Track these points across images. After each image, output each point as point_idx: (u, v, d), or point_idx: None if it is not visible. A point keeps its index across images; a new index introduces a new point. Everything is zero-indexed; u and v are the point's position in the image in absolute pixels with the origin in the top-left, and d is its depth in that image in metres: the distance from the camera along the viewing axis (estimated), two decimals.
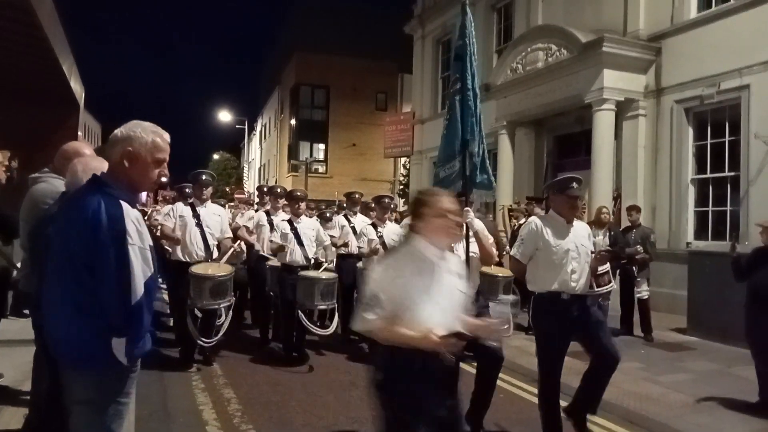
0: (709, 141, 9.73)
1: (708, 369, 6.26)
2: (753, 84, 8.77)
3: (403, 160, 24.09)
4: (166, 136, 2.37)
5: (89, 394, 2.24)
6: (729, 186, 9.40)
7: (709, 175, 9.73)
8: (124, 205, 2.21)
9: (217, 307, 5.81)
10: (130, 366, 2.27)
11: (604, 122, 10.33)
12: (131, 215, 2.20)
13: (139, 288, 2.17)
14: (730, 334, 6.95)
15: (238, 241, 7.14)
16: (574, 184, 3.95)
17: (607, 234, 7.43)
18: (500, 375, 5.77)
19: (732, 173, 9.29)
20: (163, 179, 2.50)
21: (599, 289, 6.30)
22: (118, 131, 2.31)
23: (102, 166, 2.98)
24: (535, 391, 5.26)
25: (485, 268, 4.67)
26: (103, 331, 2.17)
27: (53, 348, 2.29)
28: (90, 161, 3.05)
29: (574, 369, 4.26)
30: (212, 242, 6.10)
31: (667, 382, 5.70)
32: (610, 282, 6.42)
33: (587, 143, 10.93)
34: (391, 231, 6.83)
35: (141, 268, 2.19)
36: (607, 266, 6.39)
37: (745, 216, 8.81)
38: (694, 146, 9.95)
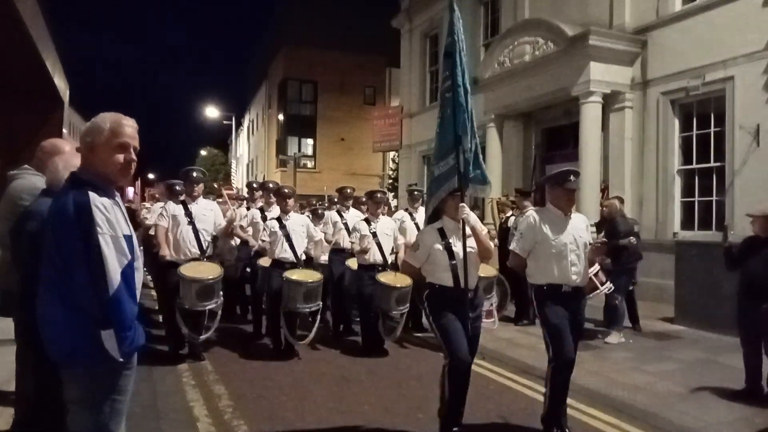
0: (694, 132, 9.83)
1: (695, 358, 6.34)
2: (737, 76, 8.86)
3: (391, 154, 24.05)
4: (128, 122, 2.34)
5: (82, 393, 2.22)
6: (715, 176, 9.49)
7: (695, 165, 9.83)
8: (91, 193, 2.17)
9: (203, 309, 5.79)
10: (124, 362, 2.23)
11: (591, 115, 10.40)
12: (98, 203, 2.16)
13: (114, 278, 2.13)
14: (717, 323, 7.04)
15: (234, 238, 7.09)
16: (572, 177, 3.98)
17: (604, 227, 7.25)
18: (490, 366, 5.89)
19: (717, 164, 9.38)
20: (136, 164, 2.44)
21: (592, 293, 5.70)
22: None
23: None
24: (525, 382, 5.38)
25: None
26: (88, 327, 2.14)
27: (46, 347, 2.25)
28: (70, 158, 3.02)
29: None
30: (204, 239, 6.07)
31: (655, 371, 5.76)
32: (601, 285, 5.88)
33: (575, 136, 10.99)
34: (385, 226, 6.82)
35: (115, 257, 2.14)
36: (596, 267, 5.79)
37: (730, 206, 8.91)
38: (680, 137, 10.03)
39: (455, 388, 3.86)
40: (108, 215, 2.17)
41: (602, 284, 5.81)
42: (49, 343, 2.23)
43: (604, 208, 7.31)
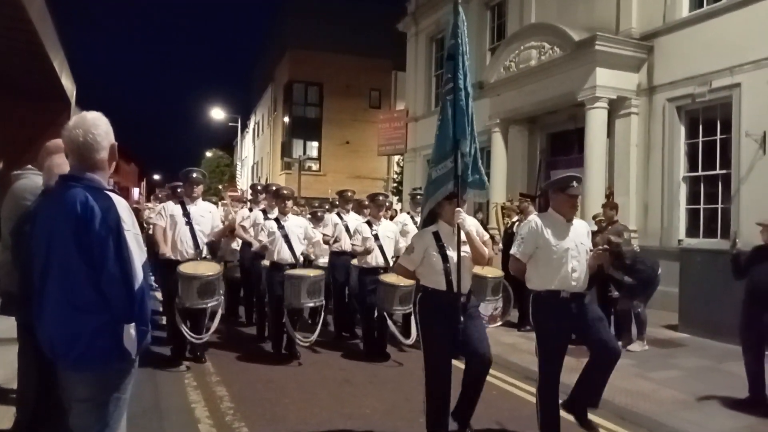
0: (700, 139, 9.78)
1: (699, 365, 6.30)
2: (744, 83, 8.82)
3: (396, 157, 24.06)
4: None
5: (91, 392, 2.24)
6: (720, 184, 9.45)
7: (700, 172, 9.79)
8: (111, 194, 2.24)
9: (204, 306, 5.79)
10: (132, 361, 2.27)
11: (596, 120, 10.37)
12: (121, 203, 2.23)
13: (139, 273, 2.20)
14: (721, 331, 6.99)
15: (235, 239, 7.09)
16: (575, 183, 3.94)
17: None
18: (493, 372, 5.82)
19: (723, 171, 9.34)
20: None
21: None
22: (88, 133, 2.26)
23: None
24: (528, 388, 5.33)
25: (476, 269, 4.67)
26: (106, 328, 2.17)
27: (51, 348, 2.25)
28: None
29: (567, 366, 4.27)
30: (202, 240, 6.08)
31: (659, 378, 5.73)
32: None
33: (580, 141, 10.96)
34: (387, 228, 6.82)
35: (138, 253, 2.22)
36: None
37: (736, 214, 8.86)
38: (686, 144, 9.99)
39: (432, 400, 3.89)
40: (129, 213, 2.25)
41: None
42: (57, 343, 2.22)
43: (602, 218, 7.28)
